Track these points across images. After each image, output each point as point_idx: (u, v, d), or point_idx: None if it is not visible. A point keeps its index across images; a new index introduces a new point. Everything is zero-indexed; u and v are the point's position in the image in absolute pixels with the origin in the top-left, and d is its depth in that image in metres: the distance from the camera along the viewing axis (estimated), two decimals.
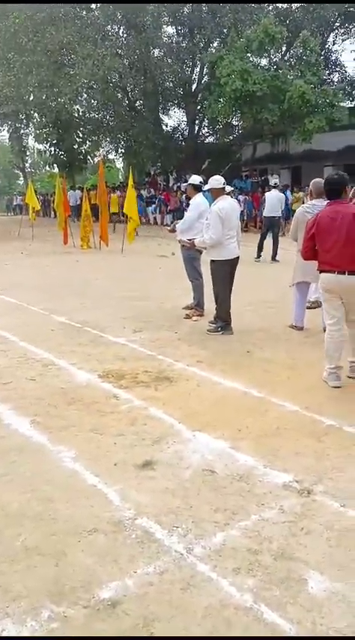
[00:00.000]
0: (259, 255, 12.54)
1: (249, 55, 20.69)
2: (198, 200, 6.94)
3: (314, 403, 4.19)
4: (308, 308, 6.76)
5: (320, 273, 4.66)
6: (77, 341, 5.95)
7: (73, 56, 22.67)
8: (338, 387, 4.52)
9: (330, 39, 26.48)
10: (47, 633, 2.01)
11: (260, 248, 12.57)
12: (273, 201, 12.61)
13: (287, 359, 5.34)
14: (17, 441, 3.56)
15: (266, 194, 13.05)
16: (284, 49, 23.60)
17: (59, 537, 2.56)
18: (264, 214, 13.00)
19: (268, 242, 12.46)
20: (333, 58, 26.87)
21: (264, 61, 22.15)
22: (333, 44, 27.00)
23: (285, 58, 23.94)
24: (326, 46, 25.92)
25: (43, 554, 2.44)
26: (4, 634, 2.00)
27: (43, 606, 2.14)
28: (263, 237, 12.71)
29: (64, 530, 2.61)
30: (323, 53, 24.10)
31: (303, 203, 10.15)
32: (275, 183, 13.47)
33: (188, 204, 7.95)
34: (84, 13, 23.02)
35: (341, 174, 4.73)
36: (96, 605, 2.14)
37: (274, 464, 3.25)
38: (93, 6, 23.31)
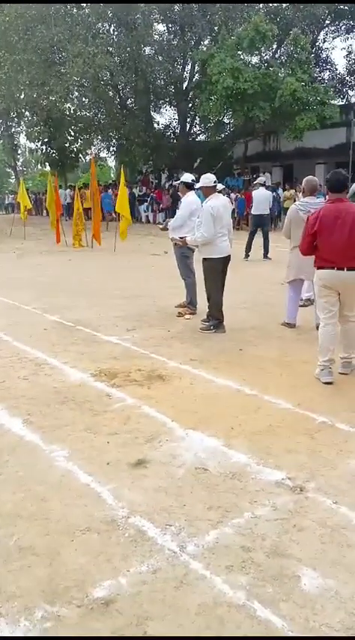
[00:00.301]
0: (248, 255, 12.56)
1: (239, 52, 20.72)
2: (190, 198, 6.94)
3: (307, 400, 4.21)
4: (301, 306, 6.79)
5: (318, 269, 4.71)
6: (70, 340, 5.94)
7: (63, 54, 22.62)
8: (330, 383, 4.55)
9: (321, 37, 26.61)
10: (41, 633, 2.01)
11: (248, 247, 12.58)
12: (261, 199, 12.64)
13: (280, 356, 5.36)
14: (10, 441, 3.55)
15: (254, 192, 13.07)
16: (275, 46, 23.67)
17: (53, 537, 2.56)
18: (252, 212, 13.03)
19: (258, 241, 12.48)
20: (324, 55, 27.02)
21: (254, 59, 22.20)
22: (324, 42, 27.16)
23: (276, 55, 24.00)
24: (317, 43, 26.04)
25: (36, 554, 2.44)
26: None
27: (36, 606, 2.14)
28: (251, 236, 12.72)
29: (57, 530, 2.61)
30: (313, 51, 24.21)
31: (295, 201, 10.20)
32: (264, 182, 13.55)
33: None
34: (74, 10, 22.95)
35: (345, 174, 4.87)
36: (89, 605, 2.14)
37: (267, 461, 3.26)
38: (83, 4, 23.23)
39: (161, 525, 2.64)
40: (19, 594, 2.20)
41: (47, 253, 14.90)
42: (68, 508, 2.79)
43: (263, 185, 13.20)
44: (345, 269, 4.52)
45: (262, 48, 21.33)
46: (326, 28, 26.42)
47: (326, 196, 5.35)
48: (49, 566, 2.37)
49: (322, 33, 26.49)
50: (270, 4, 23.30)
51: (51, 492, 2.94)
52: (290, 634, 2.00)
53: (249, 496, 2.89)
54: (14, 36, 21.58)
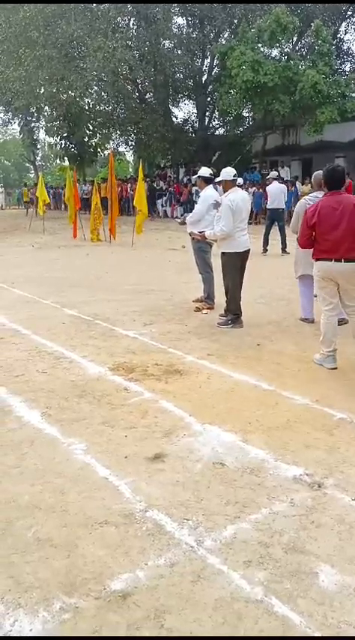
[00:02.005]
0: (266, 249, 12.51)
1: (260, 45, 20.51)
2: (208, 192, 6.91)
3: (325, 396, 4.17)
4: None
5: (316, 261, 4.73)
6: (88, 334, 5.96)
7: (83, 49, 22.65)
8: (335, 369, 4.71)
9: (342, 28, 26.19)
10: (59, 624, 2.02)
11: (266, 242, 12.54)
12: (276, 192, 12.57)
13: (298, 352, 5.32)
14: (29, 433, 3.58)
15: (269, 187, 13.00)
16: (295, 38, 23.38)
17: (70, 529, 2.58)
18: (267, 207, 12.98)
19: (276, 235, 12.40)
20: (345, 47, 26.58)
21: (275, 52, 21.96)
22: (345, 34, 26.75)
23: (297, 48, 23.72)
24: (338, 35, 25.63)
25: (54, 546, 2.46)
26: (17, 624, 2.02)
27: (54, 597, 2.15)
28: (267, 230, 12.67)
29: (75, 522, 2.63)
30: (335, 43, 23.83)
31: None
32: (277, 176, 13.51)
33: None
34: (94, 5, 22.93)
35: (342, 167, 4.84)
36: (107, 597, 2.15)
37: (285, 457, 3.24)
38: None
39: (178, 519, 2.64)
40: (37, 585, 2.22)
41: (65, 247, 14.98)
42: (86, 501, 2.80)
43: (276, 179, 13.13)
44: (343, 260, 4.55)
45: (283, 40, 21.07)
46: (348, 20, 26.00)
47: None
48: (67, 557, 2.38)
49: (343, 24, 26.09)
50: None
51: (69, 485, 2.95)
52: (308, 630, 1.99)
53: (266, 491, 2.88)
54: (34, 32, 21.65)
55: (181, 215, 17.79)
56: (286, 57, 21.66)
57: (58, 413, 3.89)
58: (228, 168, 6.40)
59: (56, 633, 1.99)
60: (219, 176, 6.40)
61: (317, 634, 1.98)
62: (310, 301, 6.49)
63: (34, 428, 3.66)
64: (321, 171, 6.58)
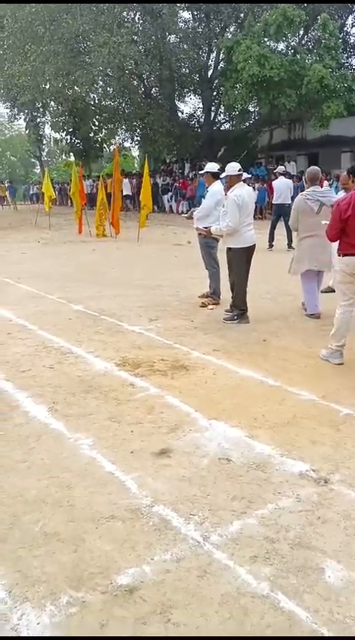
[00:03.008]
0: (271, 245, 12.48)
1: (266, 39, 20.39)
2: (216, 188, 6.89)
3: (332, 392, 4.16)
4: (324, 292, 6.76)
5: (344, 256, 4.68)
6: (94, 329, 5.97)
7: (88, 44, 22.59)
8: (342, 364, 4.73)
9: (349, 22, 25.97)
10: (66, 618, 2.03)
11: (271, 237, 12.51)
12: (282, 188, 12.52)
13: (304, 348, 5.31)
14: (35, 428, 3.59)
15: (275, 182, 12.96)
16: (301, 32, 23.23)
17: (77, 524, 2.59)
18: (273, 202, 12.94)
19: (281, 230, 12.36)
20: (352, 41, 26.37)
21: (281, 46, 21.83)
22: (352, 27, 26.61)
23: (303, 41, 23.56)
24: (345, 29, 25.43)
25: (61, 540, 2.47)
26: (24, 618, 2.03)
27: (61, 591, 2.16)
28: (273, 226, 12.63)
29: (82, 517, 2.64)
30: (341, 36, 23.64)
31: None
32: (283, 171, 13.48)
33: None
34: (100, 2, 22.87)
35: None
36: (114, 591, 2.16)
37: (291, 453, 3.24)
38: None
39: (185, 515, 2.65)
40: (44, 579, 2.23)
41: (71, 243, 14.99)
42: (92, 496, 2.82)
43: (283, 174, 13.09)
44: None
45: (289, 34, 20.94)
46: None
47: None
48: (74, 552, 2.40)
49: (350, 18, 25.88)
50: None
51: (75, 480, 2.97)
52: (315, 626, 1.99)
53: (272, 487, 2.88)
54: (40, 27, 21.62)
55: (187, 210, 17.76)
56: (292, 51, 21.54)
57: (65, 408, 3.90)
58: (233, 163, 6.37)
59: (63, 627, 2.00)
60: (224, 171, 6.39)
61: (324, 629, 1.98)
62: (315, 296, 6.48)
63: (41, 423, 3.68)
64: (314, 167, 6.69)
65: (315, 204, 6.17)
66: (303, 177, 19.44)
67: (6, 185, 35.73)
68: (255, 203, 15.20)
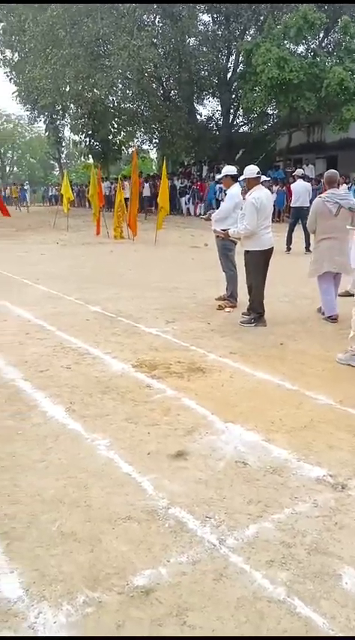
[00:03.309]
0: (289, 248, 12.43)
1: (286, 42, 20.32)
2: (235, 190, 6.89)
3: (349, 396, 4.13)
4: (341, 295, 6.72)
5: None
6: (111, 331, 6.00)
7: (108, 47, 22.73)
8: None
9: None
10: (82, 617, 2.05)
11: (289, 240, 12.46)
12: (300, 191, 12.46)
13: (322, 351, 5.28)
14: (53, 428, 3.62)
15: (293, 185, 12.91)
16: (322, 35, 23.10)
17: (94, 524, 2.61)
18: (291, 205, 12.88)
19: (299, 233, 12.30)
20: None
21: (301, 48, 21.74)
22: None
23: (323, 44, 23.44)
24: None
25: (78, 540, 2.49)
26: (41, 616, 2.05)
27: (78, 591, 2.18)
28: (291, 229, 12.58)
29: (98, 517, 2.65)
30: None
31: None
32: (302, 174, 13.42)
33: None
34: (120, 3, 22.99)
35: None
36: (130, 592, 2.17)
37: (308, 457, 3.22)
38: None
39: (201, 517, 2.65)
40: (61, 578, 2.25)
41: (89, 245, 15.08)
42: (109, 496, 2.83)
43: (301, 177, 13.03)
44: None
45: (309, 37, 20.84)
46: None
47: None
48: (91, 552, 2.41)
49: None
50: None
51: (92, 480, 2.98)
52: (332, 632, 1.98)
53: (289, 492, 2.86)
54: (61, 31, 21.81)
55: (205, 212, 17.74)
56: (312, 53, 21.42)
57: (82, 408, 3.93)
58: (251, 165, 6.37)
59: (80, 627, 2.01)
60: (242, 174, 6.39)
61: (341, 636, 1.97)
62: (332, 298, 6.45)
63: (59, 423, 3.70)
64: (332, 170, 6.70)
65: (334, 207, 6.15)
66: (321, 181, 19.36)
67: (18, 187, 36.09)
68: (273, 206, 15.16)
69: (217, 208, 7.35)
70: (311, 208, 6.68)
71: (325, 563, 2.33)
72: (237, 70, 25.49)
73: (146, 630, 1.99)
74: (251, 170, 6.21)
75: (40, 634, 1.98)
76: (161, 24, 24.66)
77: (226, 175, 7.03)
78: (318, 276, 6.42)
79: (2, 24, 28.91)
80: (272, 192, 16.45)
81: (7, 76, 30.05)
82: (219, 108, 27.86)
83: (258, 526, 2.58)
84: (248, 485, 2.93)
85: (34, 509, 2.72)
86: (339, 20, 20.47)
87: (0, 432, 3.57)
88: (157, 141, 30.25)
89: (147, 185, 24.44)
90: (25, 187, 37.56)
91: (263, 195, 6.12)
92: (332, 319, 6.33)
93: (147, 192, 24.29)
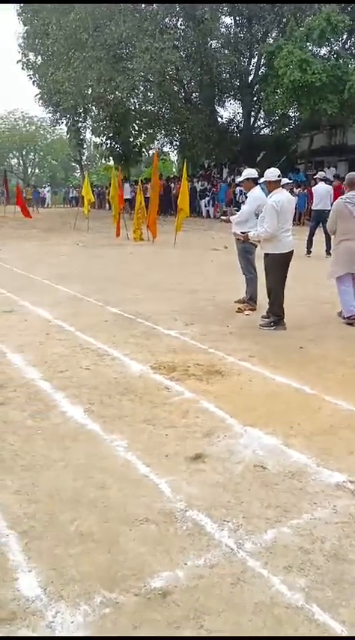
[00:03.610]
0: (309, 251, 12.34)
1: (308, 44, 20.22)
2: (256, 193, 6.86)
3: None
4: None
5: None
6: (130, 332, 6.02)
7: (131, 50, 22.85)
8: None
9: None
10: (99, 618, 2.05)
11: (310, 243, 12.38)
12: (322, 194, 12.37)
13: (342, 356, 5.23)
14: (72, 428, 3.64)
15: (315, 187, 12.84)
16: (345, 37, 22.94)
17: (112, 525, 2.61)
18: (313, 207, 12.80)
19: (320, 236, 12.21)
20: None
21: (323, 50, 21.61)
22: None
23: (346, 46, 23.27)
24: None
25: (96, 541, 2.50)
26: (59, 616, 2.06)
27: (95, 591, 2.18)
28: (312, 232, 12.49)
29: (116, 518, 2.66)
30: None
31: None
32: (323, 177, 13.33)
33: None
34: (143, 6, 23.11)
35: None
36: (147, 594, 2.17)
37: (327, 462, 3.19)
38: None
39: (218, 521, 2.64)
40: (78, 578, 2.26)
41: (109, 246, 15.15)
42: (127, 497, 2.83)
43: (323, 180, 12.94)
44: None
45: (332, 39, 20.71)
46: None
47: None
48: (108, 553, 2.41)
49: None
50: None
51: (110, 481, 2.99)
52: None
53: (308, 497, 2.84)
54: (84, 34, 22.01)
55: (223, 211, 17.69)
56: (335, 55, 21.28)
57: (101, 409, 3.94)
58: (272, 168, 6.34)
59: (97, 627, 2.01)
60: (262, 177, 6.37)
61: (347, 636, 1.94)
62: (351, 298, 6.44)
63: (77, 423, 3.72)
64: (353, 172, 6.71)
65: (354, 208, 6.19)
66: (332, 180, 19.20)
67: (31, 189, 36.37)
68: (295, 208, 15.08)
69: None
70: (332, 209, 6.69)
71: (344, 570, 2.31)
72: (259, 73, 25.44)
73: (163, 633, 1.99)
74: (272, 173, 6.18)
75: (57, 633, 1.99)
76: (183, 27, 24.74)
77: (247, 178, 7.01)
78: (337, 277, 6.39)
79: (26, 28, 29.31)
80: (293, 195, 16.37)
81: (31, 78, 30.45)
82: (240, 110, 27.83)
83: (276, 531, 2.56)
84: (266, 489, 2.91)
85: (53, 509, 2.74)
86: None
87: (20, 431, 3.60)
88: (178, 143, 30.32)
89: (126, 186, 24.11)
90: (44, 189, 37.88)
91: (284, 198, 6.09)
92: (352, 319, 6.30)
93: (127, 194, 23.83)
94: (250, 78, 26.08)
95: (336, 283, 6.50)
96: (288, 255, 6.19)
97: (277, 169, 6.30)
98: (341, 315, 6.55)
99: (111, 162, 32.96)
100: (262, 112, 26.69)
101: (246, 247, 6.99)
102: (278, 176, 6.21)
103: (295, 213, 12.15)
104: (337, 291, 6.56)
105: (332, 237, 6.85)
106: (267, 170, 6.29)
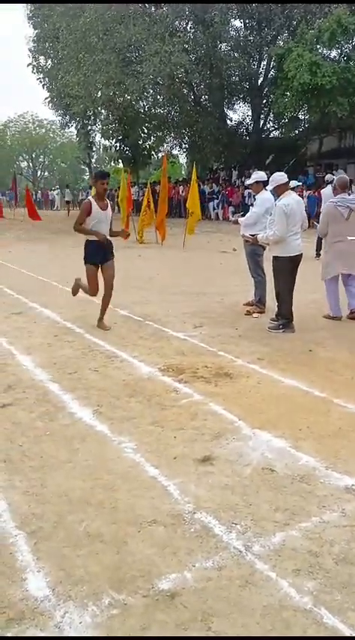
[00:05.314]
0: (319, 254, 12.30)
1: (318, 46, 20.20)
2: (266, 196, 6.86)
3: None
4: None
5: None
6: (139, 334, 6.03)
7: (140, 53, 22.96)
8: None
9: None
10: (107, 619, 2.05)
11: (318, 246, 12.35)
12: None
13: (352, 359, 5.20)
14: (80, 430, 3.65)
15: (323, 190, 12.83)
16: None
17: (120, 526, 2.62)
18: (321, 210, 12.77)
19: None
20: None
21: (333, 53, 21.58)
22: None
23: None
24: None
25: (104, 542, 2.50)
26: (67, 616, 2.06)
27: (103, 592, 2.19)
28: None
29: (124, 520, 2.66)
30: None
31: None
32: (332, 179, 13.30)
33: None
34: (153, 9, 23.21)
35: None
36: (155, 596, 2.17)
37: (336, 466, 3.17)
38: (162, 3, 23.46)
39: (227, 523, 2.63)
40: (87, 579, 2.26)
41: (117, 249, 15.13)
42: (135, 499, 2.84)
43: (331, 183, 12.92)
44: None
45: (342, 41, 20.67)
46: None
47: None
48: (116, 554, 2.42)
49: None
50: None
51: (119, 482, 3.00)
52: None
53: (317, 500, 2.83)
54: (94, 37, 22.13)
55: (233, 215, 17.70)
56: (345, 58, 21.24)
57: (109, 411, 3.95)
58: (279, 172, 6.33)
59: (105, 628, 2.02)
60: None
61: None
62: (337, 297, 6.70)
63: (86, 425, 3.73)
64: (343, 175, 6.86)
65: (345, 211, 6.50)
66: (353, 187, 19.15)
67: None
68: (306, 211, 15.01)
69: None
70: (322, 212, 6.84)
71: (353, 573, 2.29)
72: (269, 76, 25.47)
73: (171, 634, 1.98)
74: (280, 176, 6.17)
75: (66, 634, 1.99)
76: (193, 30, 24.82)
77: (256, 181, 7.02)
78: (330, 278, 6.56)
79: (36, 31, 29.51)
80: (302, 198, 16.32)
81: (41, 82, 30.63)
82: (250, 113, 27.85)
83: (285, 534, 2.56)
84: (275, 492, 2.91)
85: (61, 510, 2.75)
86: None
87: (29, 432, 3.62)
88: (187, 146, 30.37)
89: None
90: (54, 191, 38.02)
91: (293, 202, 6.08)
92: (337, 318, 6.60)
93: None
94: (260, 81, 26.11)
95: (325, 284, 6.79)
96: (297, 259, 6.18)
97: (284, 173, 6.29)
98: (349, 316, 6.67)
99: (121, 165, 33.04)
100: (271, 115, 26.70)
101: (254, 250, 6.99)
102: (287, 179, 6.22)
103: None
104: (325, 289, 6.83)
105: (323, 240, 7.04)
106: (275, 174, 6.27)
